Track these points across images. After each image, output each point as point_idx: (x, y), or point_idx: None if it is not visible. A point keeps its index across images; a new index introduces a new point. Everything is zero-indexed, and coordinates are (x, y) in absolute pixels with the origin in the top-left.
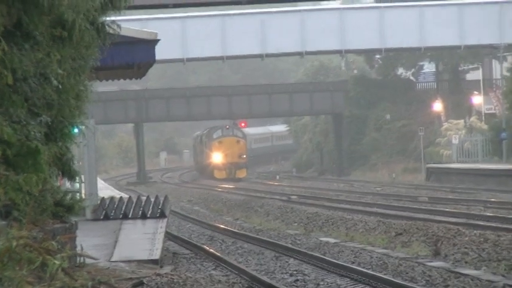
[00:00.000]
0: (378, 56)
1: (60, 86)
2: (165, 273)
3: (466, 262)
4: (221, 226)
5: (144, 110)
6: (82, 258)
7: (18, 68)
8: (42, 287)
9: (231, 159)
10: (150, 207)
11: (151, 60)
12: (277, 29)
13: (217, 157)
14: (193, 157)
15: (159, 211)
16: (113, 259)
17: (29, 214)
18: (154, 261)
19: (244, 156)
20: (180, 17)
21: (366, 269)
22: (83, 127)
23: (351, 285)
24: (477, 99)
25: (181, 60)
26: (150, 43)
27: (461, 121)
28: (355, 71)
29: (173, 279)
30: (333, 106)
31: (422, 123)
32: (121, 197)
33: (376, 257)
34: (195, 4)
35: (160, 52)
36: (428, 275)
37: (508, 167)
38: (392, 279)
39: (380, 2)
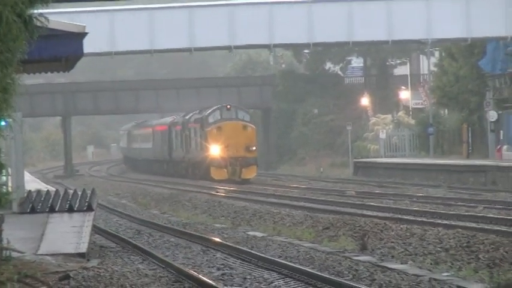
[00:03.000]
0: (306, 51)
1: None
2: (92, 267)
3: (392, 256)
4: (149, 220)
5: (72, 103)
6: (8, 252)
7: None
8: None
9: (235, 153)
10: (77, 201)
11: (79, 54)
12: (205, 22)
13: (214, 150)
14: (124, 150)
15: (86, 204)
16: (39, 252)
17: None
18: (81, 255)
19: (254, 148)
20: (108, 10)
21: (293, 263)
22: (10, 120)
23: (278, 279)
24: (405, 94)
25: (109, 54)
26: (78, 36)
27: (389, 116)
28: (284, 66)
29: (100, 272)
30: (261, 100)
31: (350, 117)
32: (48, 190)
33: (303, 251)
34: None
35: (89, 45)
36: (355, 269)
37: (435, 161)
38: (319, 273)
39: None
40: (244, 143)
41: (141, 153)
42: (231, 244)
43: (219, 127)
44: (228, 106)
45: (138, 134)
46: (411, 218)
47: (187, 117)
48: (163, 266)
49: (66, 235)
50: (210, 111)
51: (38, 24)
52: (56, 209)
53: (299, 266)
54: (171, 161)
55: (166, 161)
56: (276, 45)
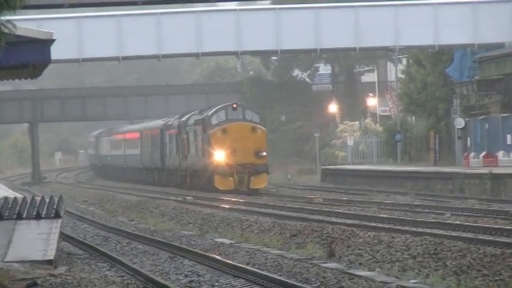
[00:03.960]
0: (274, 58)
1: None
2: (59, 274)
3: (360, 263)
4: (116, 227)
5: (39, 110)
6: None
7: None
8: None
9: (243, 159)
10: (45, 208)
11: (46, 60)
12: (173, 29)
13: (219, 155)
14: (97, 157)
15: (53, 211)
16: (6, 259)
17: None
18: (48, 262)
19: (264, 153)
20: (76, 17)
21: (261, 270)
22: None
23: (245, 286)
24: (372, 101)
25: (76, 61)
26: (46, 43)
27: (357, 123)
28: (251, 72)
29: (67, 279)
30: None
31: (318, 124)
32: (15, 197)
33: (271, 258)
34: (91, 4)
35: (56, 52)
36: (322, 276)
37: (402, 168)
38: (287, 280)
39: (276, 4)
40: (253, 147)
41: (126, 160)
42: (198, 251)
43: (224, 129)
44: (234, 105)
45: (121, 140)
46: (379, 225)
47: (184, 119)
48: (131, 273)
49: (33, 242)
50: (213, 111)
51: (6, 31)
52: (23, 216)
53: (267, 273)
54: (164, 169)
55: (157, 169)
56: (243, 52)
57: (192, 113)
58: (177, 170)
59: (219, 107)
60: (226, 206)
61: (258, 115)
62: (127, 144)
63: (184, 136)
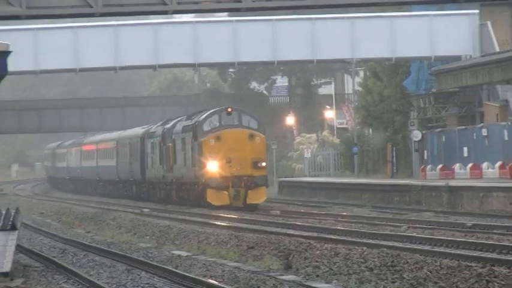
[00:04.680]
0: (231, 70)
1: None
2: (16, 286)
3: (317, 275)
4: (73, 239)
5: None
6: None
7: None
8: None
9: (240, 170)
10: (1, 220)
11: (3, 72)
12: (130, 41)
13: (212, 166)
14: (49, 169)
15: (9, 224)
16: None
17: None
18: (4, 274)
19: (264, 164)
20: (32, 29)
21: (218, 282)
22: None
23: None
24: (329, 114)
25: (33, 73)
26: (2, 55)
27: (314, 135)
28: (208, 85)
29: None
30: None
31: (275, 136)
32: None
33: (228, 270)
34: (48, 16)
35: (13, 64)
36: None
37: (359, 181)
38: None
39: (233, 16)
40: (251, 157)
41: (100, 173)
42: (155, 263)
43: (217, 136)
44: (229, 109)
45: (93, 150)
46: (336, 237)
47: (169, 126)
48: (88, 286)
49: None
50: (204, 116)
51: None
52: None
53: (224, 285)
54: (145, 182)
55: (136, 182)
56: (200, 65)
57: (179, 118)
58: (161, 182)
59: (211, 111)
60: (185, 218)
61: (255, 120)
62: (101, 154)
63: (170, 145)
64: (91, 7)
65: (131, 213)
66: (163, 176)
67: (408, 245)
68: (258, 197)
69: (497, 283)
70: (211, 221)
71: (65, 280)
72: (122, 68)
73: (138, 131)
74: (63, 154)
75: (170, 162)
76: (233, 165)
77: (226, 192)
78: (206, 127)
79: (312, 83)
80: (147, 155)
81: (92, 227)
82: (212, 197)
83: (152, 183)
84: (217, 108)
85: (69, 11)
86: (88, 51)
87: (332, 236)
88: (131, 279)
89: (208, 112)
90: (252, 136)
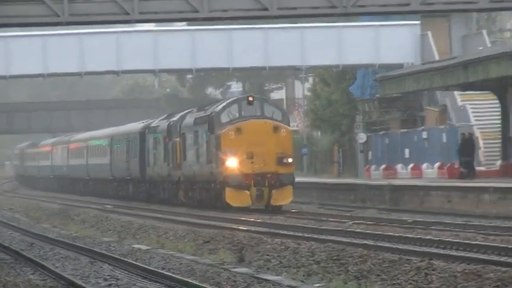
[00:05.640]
0: (189, 76)
1: None
2: None
3: (268, 268)
4: (41, 233)
5: None
6: None
7: None
8: None
9: (263, 167)
10: None
11: None
12: (94, 48)
13: (231, 162)
14: (18, 168)
15: None
16: None
17: None
18: None
19: (290, 160)
20: (2, 36)
21: (175, 274)
22: None
23: None
24: None
25: (3, 77)
26: None
27: None
28: (168, 90)
29: None
30: None
31: None
32: None
33: (185, 263)
34: (17, 25)
35: None
36: (233, 280)
37: (308, 179)
38: (200, 284)
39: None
40: (276, 152)
41: (90, 171)
42: (117, 256)
43: (238, 128)
44: (250, 98)
45: (82, 148)
46: (285, 233)
47: (175, 119)
48: (54, 277)
49: None
50: (222, 106)
51: None
52: None
53: (181, 277)
54: (145, 181)
55: (134, 181)
56: (160, 71)
57: (187, 111)
58: (165, 181)
59: (229, 100)
60: (145, 214)
61: (280, 111)
62: (91, 152)
63: (177, 140)
64: (58, 16)
65: (95, 209)
66: (168, 174)
67: (353, 240)
68: (283, 197)
69: (435, 275)
70: (169, 217)
71: (32, 272)
72: (87, 74)
73: (136, 126)
74: (34, 154)
75: (177, 158)
76: (255, 161)
77: (247, 192)
78: (224, 118)
79: (265, 88)
80: (148, 152)
81: (58, 222)
82: (231, 198)
83: (154, 182)
84: (237, 97)
85: (37, 19)
86: (55, 57)
87: (282, 232)
88: (94, 271)
89: (226, 102)
90: (276, 128)
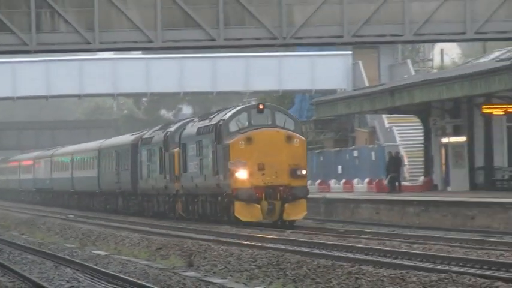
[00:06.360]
0: (144, 99)
1: None
2: None
3: (214, 272)
4: (9, 240)
5: None
6: None
7: None
8: None
9: (275, 179)
10: None
11: None
12: (59, 74)
13: (241, 174)
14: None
15: None
16: None
17: None
18: None
19: (304, 172)
20: None
21: (131, 277)
22: None
23: None
24: None
25: None
26: None
27: None
28: (125, 111)
29: None
30: None
31: None
32: None
33: (140, 268)
34: None
35: None
36: (183, 283)
37: None
38: (153, 286)
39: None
40: (289, 163)
41: (75, 184)
42: (78, 261)
43: (248, 138)
44: (261, 106)
45: (67, 161)
46: (230, 240)
47: (173, 129)
48: (21, 279)
49: None
50: (230, 113)
51: None
52: None
53: (136, 280)
54: (137, 194)
55: (125, 194)
56: (119, 94)
57: (185, 120)
58: (160, 194)
59: (238, 108)
60: (104, 223)
61: (292, 120)
62: (77, 165)
63: (176, 150)
64: (27, 45)
65: (59, 219)
66: (165, 187)
67: (291, 247)
68: (296, 211)
69: (364, 279)
70: (125, 226)
71: (2, 274)
72: (52, 97)
73: (127, 138)
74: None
75: (176, 170)
76: (267, 173)
77: (258, 206)
78: (233, 127)
79: (212, 111)
80: (141, 164)
81: (25, 230)
82: (241, 212)
83: (147, 195)
84: (246, 105)
85: (7, 48)
86: (24, 82)
87: (227, 239)
88: (58, 274)
89: (235, 110)
90: (289, 138)
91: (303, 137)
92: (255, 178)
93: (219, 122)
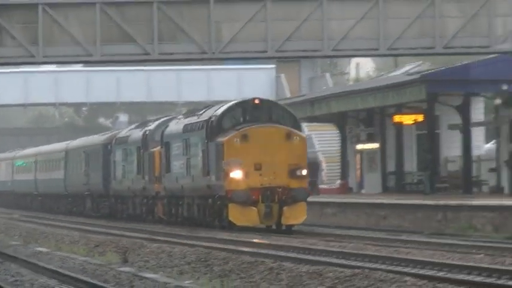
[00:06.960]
0: (84, 108)
1: None
2: None
3: (147, 268)
4: None
5: None
6: None
7: None
8: None
9: (273, 180)
10: None
11: None
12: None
13: (236, 174)
14: None
15: None
16: None
17: None
18: None
19: (304, 173)
20: None
21: (70, 272)
22: None
23: (58, 284)
24: None
25: None
26: None
27: None
28: (66, 119)
29: None
30: None
31: None
32: None
33: (79, 263)
34: None
35: None
36: (118, 278)
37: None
38: (90, 280)
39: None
40: (288, 163)
41: (39, 186)
42: (22, 257)
43: (243, 135)
44: (257, 101)
45: (30, 162)
46: (162, 238)
47: (151, 128)
48: None
49: None
50: (223, 109)
51: None
52: None
53: (75, 275)
54: (109, 196)
55: (94, 196)
56: (60, 104)
57: (165, 118)
58: (137, 196)
59: (232, 103)
60: (47, 223)
61: (291, 116)
62: (41, 167)
63: (156, 150)
64: None
65: (4, 218)
66: (143, 188)
67: (218, 245)
68: (295, 215)
69: (285, 274)
70: (66, 225)
71: None
72: None
73: (98, 138)
74: None
75: (156, 171)
76: (264, 174)
77: (254, 209)
78: (226, 123)
79: (148, 119)
80: (114, 164)
81: None
82: (235, 215)
83: (121, 197)
84: (240, 100)
85: None
86: None
87: (159, 237)
88: (3, 269)
89: (229, 105)
90: (289, 135)
91: (303, 135)
92: (251, 179)
93: (210, 118)
